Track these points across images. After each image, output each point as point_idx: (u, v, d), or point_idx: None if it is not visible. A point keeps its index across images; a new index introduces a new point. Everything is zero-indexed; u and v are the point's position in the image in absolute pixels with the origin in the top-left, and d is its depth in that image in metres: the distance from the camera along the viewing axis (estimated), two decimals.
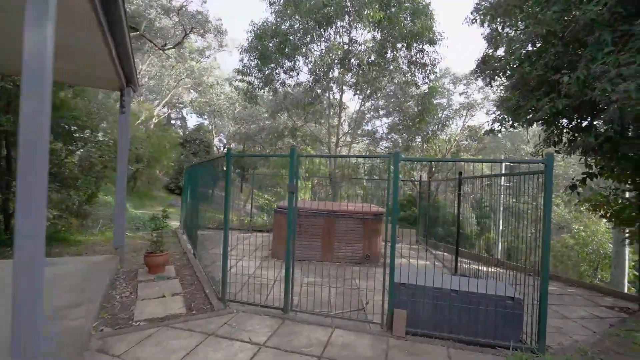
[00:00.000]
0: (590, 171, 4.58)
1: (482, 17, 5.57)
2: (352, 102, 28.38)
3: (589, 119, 4.45)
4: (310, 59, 15.12)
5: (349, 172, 16.48)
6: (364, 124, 22.06)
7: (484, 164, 19.91)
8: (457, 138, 20.17)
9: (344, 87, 16.79)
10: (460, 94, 21.22)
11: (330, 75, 15.79)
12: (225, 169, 5.01)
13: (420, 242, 10.94)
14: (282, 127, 19.30)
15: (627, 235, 5.76)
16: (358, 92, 16.82)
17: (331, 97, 17.18)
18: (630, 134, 3.91)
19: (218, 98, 33.20)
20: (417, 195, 14.62)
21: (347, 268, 7.29)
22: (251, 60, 15.25)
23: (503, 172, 13.15)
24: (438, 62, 13.27)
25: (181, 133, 35.83)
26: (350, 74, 16.02)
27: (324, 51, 14.01)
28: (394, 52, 14.56)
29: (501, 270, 8.08)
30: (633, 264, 8.41)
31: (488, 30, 5.85)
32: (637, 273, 5.44)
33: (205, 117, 39.19)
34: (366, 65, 14.01)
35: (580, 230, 12.47)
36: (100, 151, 9.32)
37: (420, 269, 4.63)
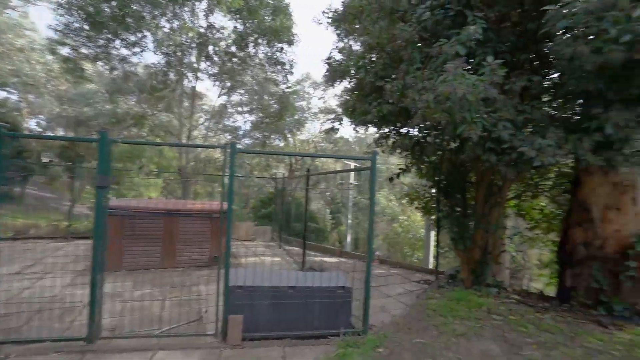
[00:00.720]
0: (403, 168, 5.49)
1: (328, 20, 5.90)
2: (214, 94, 26.49)
3: (407, 124, 5.27)
4: (160, 37, 13.15)
5: (202, 166, 15.25)
6: (225, 118, 20.98)
7: (338, 165, 22.07)
8: (315, 140, 21.67)
9: (204, 76, 15.46)
10: (319, 99, 22.93)
11: (187, 61, 14.22)
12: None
13: (276, 238, 11.02)
14: (124, 112, 16.16)
15: (431, 222, 7.21)
16: (218, 83, 15.79)
17: (187, 84, 15.51)
18: (430, 140, 4.81)
19: (32, 68, 25.19)
20: (279, 193, 14.80)
21: (191, 273, 6.53)
22: (77, 22, 12.05)
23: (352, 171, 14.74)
24: (296, 63, 13.80)
25: None
26: (209, 62, 14.86)
27: (175, 29, 12.40)
28: (256, 47, 14.31)
29: (345, 260, 8.95)
30: (436, 244, 10.71)
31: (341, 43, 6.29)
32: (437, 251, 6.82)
33: (12, 90, 29.16)
34: (225, 55, 13.24)
35: (404, 220, 15.32)
36: None
37: (266, 267, 4.45)
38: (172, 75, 14.44)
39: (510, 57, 4.37)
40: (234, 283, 3.88)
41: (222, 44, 13.93)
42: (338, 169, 21.47)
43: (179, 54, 13.60)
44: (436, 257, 6.78)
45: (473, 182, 5.70)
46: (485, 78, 3.39)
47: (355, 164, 16.23)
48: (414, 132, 5.05)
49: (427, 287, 6.04)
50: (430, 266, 11.08)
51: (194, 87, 15.54)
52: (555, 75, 4.27)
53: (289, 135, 17.30)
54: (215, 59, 14.50)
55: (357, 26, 5.59)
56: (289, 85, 14.38)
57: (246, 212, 22.30)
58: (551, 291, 6.28)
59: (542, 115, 3.92)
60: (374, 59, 5.24)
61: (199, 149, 17.12)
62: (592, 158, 3.45)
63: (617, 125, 3.30)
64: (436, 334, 4.09)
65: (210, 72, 15.46)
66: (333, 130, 5.84)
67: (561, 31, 3.38)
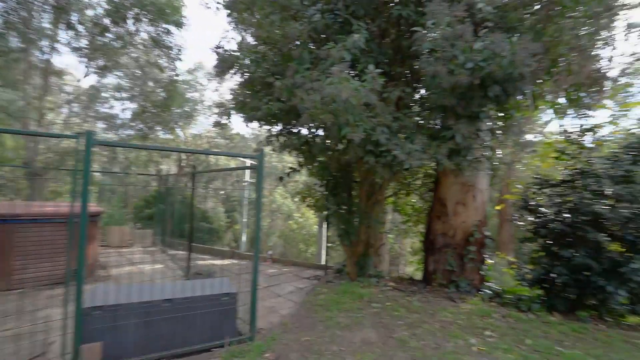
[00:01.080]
0: (293, 167, 5.55)
1: (217, 5, 5.47)
2: (82, 73, 22.01)
3: (297, 123, 5.30)
4: None
5: (60, 160, 12.48)
6: (97, 103, 17.70)
7: (234, 162, 21.15)
8: (208, 135, 20.26)
9: (66, 50, 12.65)
10: (214, 91, 21.52)
11: (38, 25, 11.34)
12: None
13: (159, 242, 9.83)
14: None
15: (323, 219, 7.52)
16: (86, 59, 13.14)
17: (39, 56, 12.39)
18: (318, 140, 4.96)
19: None
20: (164, 191, 13.20)
21: (37, 295, 5.17)
22: None
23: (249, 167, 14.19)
24: (184, 49, 12.60)
25: None
26: (72, 32, 12.20)
27: None
28: (137, 25, 12.43)
29: (237, 261, 8.57)
30: (326, 240, 11.30)
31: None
32: (327, 246, 7.13)
33: None
34: (94, 27, 11.07)
35: (299, 217, 15.73)
36: None
37: (141, 278, 3.81)
38: (14, 40, 11.31)
39: (388, 69, 4.84)
40: (90, 303, 3.20)
41: (90, 12, 11.63)
42: (233, 166, 20.62)
43: (24, 13, 10.72)
44: (326, 253, 7.09)
45: (358, 181, 6.16)
46: (366, 84, 3.64)
47: (252, 162, 15.84)
48: (305, 131, 5.12)
49: (317, 283, 6.25)
50: (323, 261, 11.66)
51: (48, 61, 12.54)
52: (423, 89, 4.93)
53: (177, 128, 15.65)
54: (81, 29, 12.02)
55: (253, 19, 5.33)
56: (178, 72, 12.99)
57: (125, 213, 19.35)
58: (419, 275, 7.31)
59: (412, 123, 4.48)
60: (266, 53, 5.09)
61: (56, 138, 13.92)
62: (447, 162, 4.11)
63: (463, 136, 4.00)
64: (322, 329, 4.23)
65: (74, 46, 12.73)
66: (220, 124, 5.47)
67: (426, 52, 3.89)
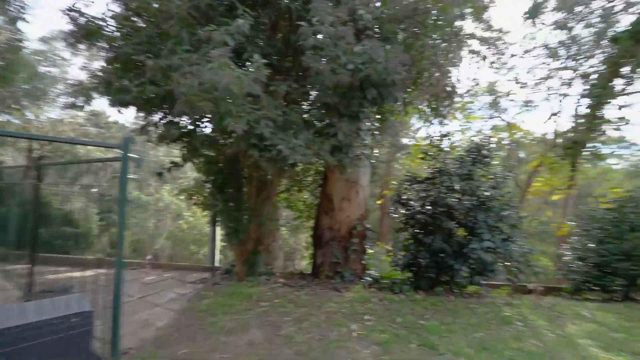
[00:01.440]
0: (174, 162, 4.97)
1: None
2: None
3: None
4: None
5: None
6: None
7: (108, 153, 18.03)
8: (73, 120, 16.69)
9: None
10: (81, 68, 17.81)
11: None
12: None
13: None
14: None
15: (214, 217, 6.99)
16: None
17: None
18: (199, 131, 4.54)
19: None
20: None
21: None
22: None
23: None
24: (31, 8, 9.97)
25: None
26: None
27: None
28: None
29: (107, 271, 7.25)
30: (213, 240, 10.65)
31: None
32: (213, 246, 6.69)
33: None
34: None
35: (190, 217, 14.47)
36: None
37: None
38: None
39: (277, 62, 4.75)
40: None
41: None
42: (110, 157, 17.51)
43: None
44: (212, 253, 6.66)
45: (247, 177, 5.92)
46: (250, 73, 3.45)
47: (118, 152, 13.70)
48: (187, 121, 4.60)
49: (202, 287, 5.78)
50: (216, 262, 10.92)
51: None
52: (309, 86, 5.02)
53: (24, 109, 12.36)
54: None
55: None
56: (23, 37, 10.17)
57: None
58: (310, 269, 7.54)
59: (299, 118, 4.50)
60: (138, 27, 4.37)
61: None
62: (330, 158, 4.27)
63: (345, 134, 4.23)
64: (204, 337, 3.89)
65: None
66: (76, 106, 4.47)
67: (311, 48, 3.94)
